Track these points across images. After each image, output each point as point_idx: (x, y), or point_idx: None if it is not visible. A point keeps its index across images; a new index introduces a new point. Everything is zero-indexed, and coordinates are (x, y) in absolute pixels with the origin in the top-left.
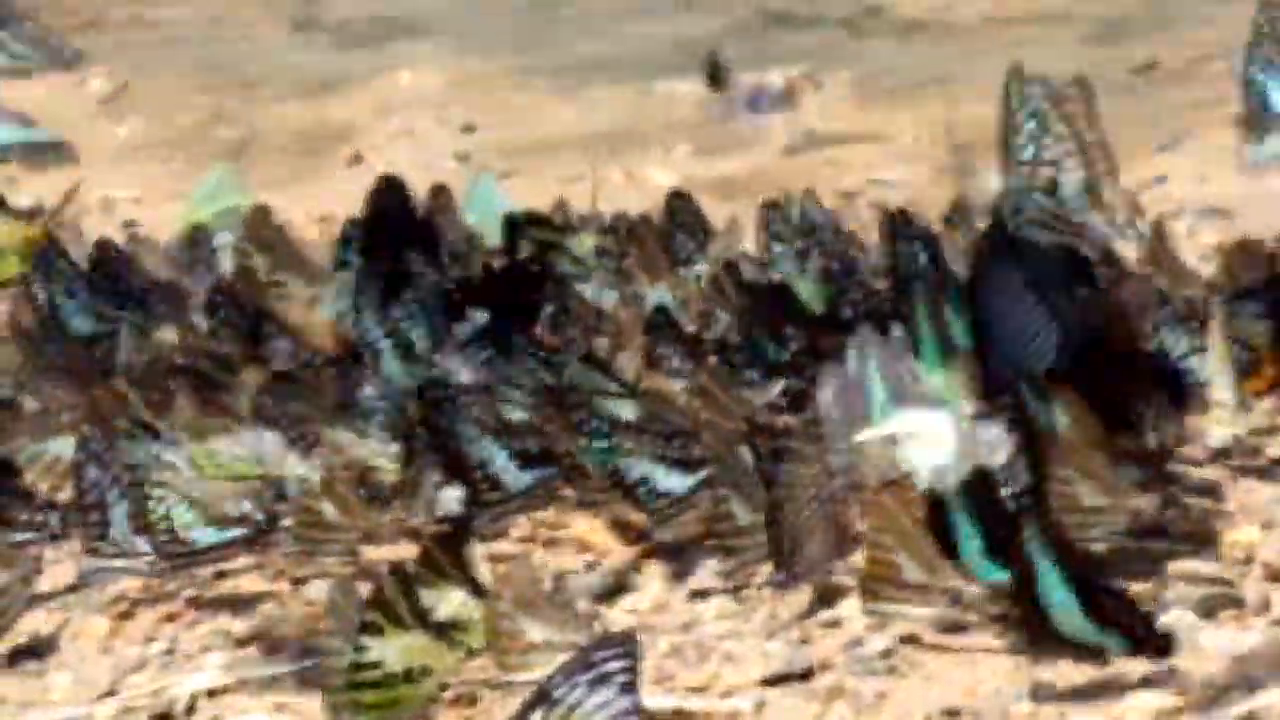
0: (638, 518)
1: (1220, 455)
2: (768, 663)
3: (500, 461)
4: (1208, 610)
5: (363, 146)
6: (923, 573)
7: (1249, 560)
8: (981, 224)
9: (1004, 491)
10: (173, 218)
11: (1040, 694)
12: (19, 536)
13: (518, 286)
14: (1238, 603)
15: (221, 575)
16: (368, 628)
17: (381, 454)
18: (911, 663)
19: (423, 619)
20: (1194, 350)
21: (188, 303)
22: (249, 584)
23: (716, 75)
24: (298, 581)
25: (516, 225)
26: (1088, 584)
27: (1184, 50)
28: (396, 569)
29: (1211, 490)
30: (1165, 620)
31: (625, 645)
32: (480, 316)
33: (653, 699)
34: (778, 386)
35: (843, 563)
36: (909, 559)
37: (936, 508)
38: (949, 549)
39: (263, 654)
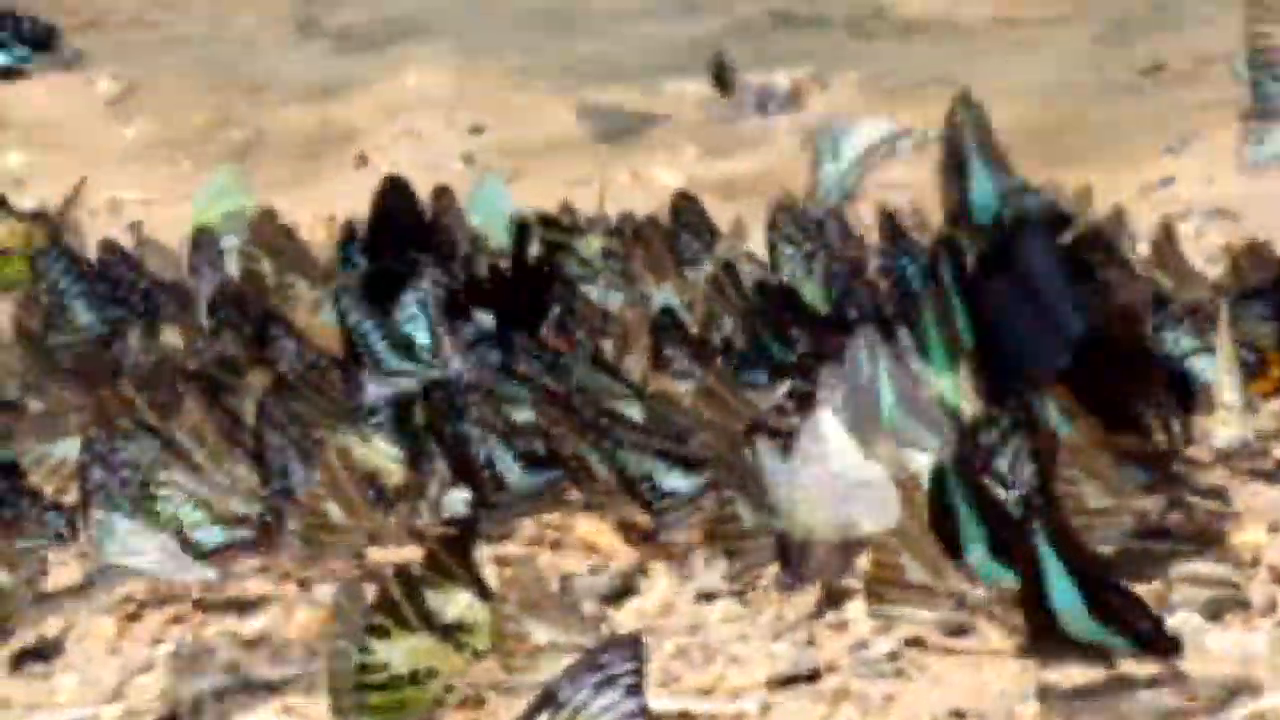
0: (644, 520)
1: (1226, 457)
2: (774, 664)
3: (506, 463)
4: (1214, 612)
5: (368, 148)
6: (928, 575)
7: (1255, 562)
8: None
9: (1009, 493)
10: (180, 219)
11: (1047, 695)
12: (25, 538)
13: (524, 288)
14: (1244, 605)
15: (228, 577)
16: (374, 630)
17: (387, 456)
18: (918, 665)
19: (429, 621)
20: (1200, 351)
21: (193, 305)
22: (255, 586)
23: (722, 76)
24: (304, 583)
25: (523, 227)
26: (1094, 585)
27: (1191, 51)
28: (402, 571)
29: (1218, 492)
30: (1171, 622)
31: (631, 647)
32: (486, 318)
33: (659, 701)
34: (784, 388)
35: (849, 565)
36: (914, 561)
37: (941, 509)
38: (954, 551)
39: (269, 656)
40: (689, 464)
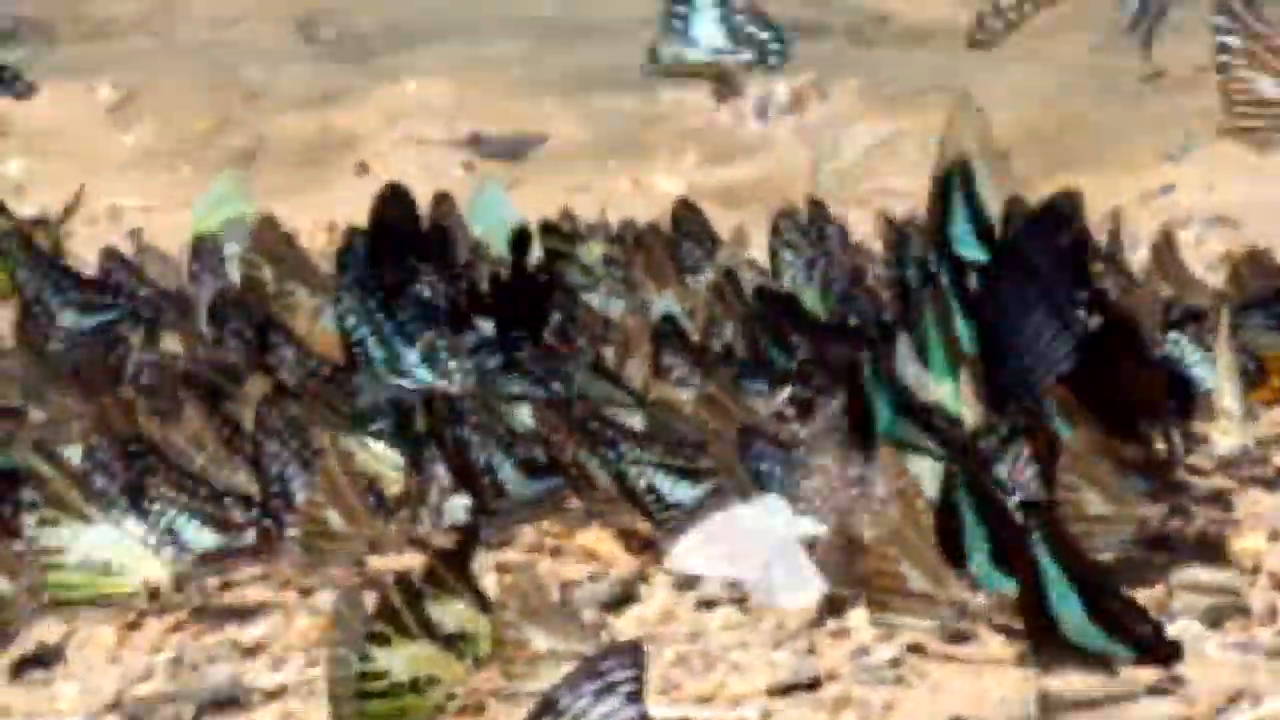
0: (644, 527)
1: (1227, 464)
2: (774, 672)
3: (507, 471)
4: (1214, 619)
5: (369, 155)
6: (929, 582)
7: (1256, 569)
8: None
9: (1011, 500)
10: (180, 226)
11: (1047, 703)
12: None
13: (525, 296)
14: (1244, 612)
15: (228, 585)
16: (374, 637)
17: (388, 463)
18: (919, 672)
19: (429, 629)
20: (1201, 359)
21: (194, 311)
22: (255, 594)
23: (723, 84)
24: (304, 591)
25: (522, 235)
26: (1095, 592)
27: (1191, 59)
28: (403, 578)
29: (1218, 499)
30: (1172, 629)
31: (631, 655)
32: (487, 326)
33: (659, 709)
34: (785, 395)
35: (850, 572)
36: (915, 568)
37: (943, 516)
38: (955, 558)
39: (269, 664)
40: (690, 472)
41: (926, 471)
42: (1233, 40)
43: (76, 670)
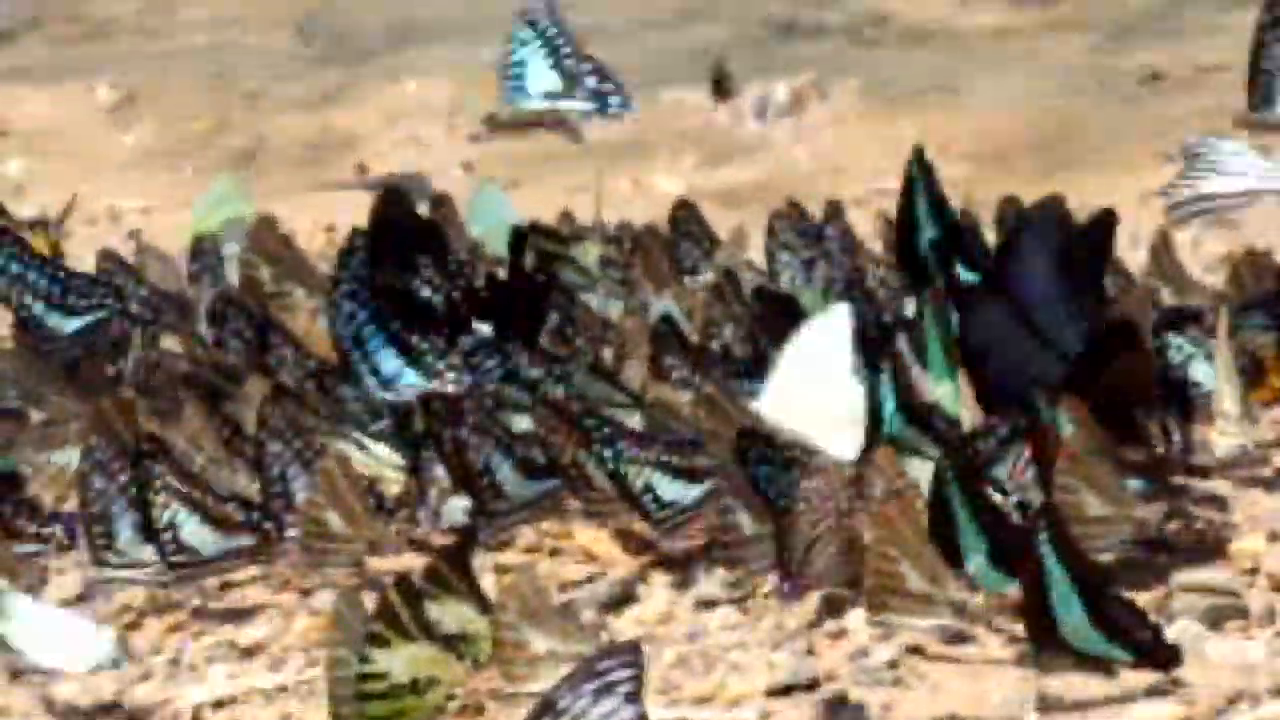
0: (643, 528)
1: (1226, 466)
2: (773, 673)
3: (505, 472)
4: (1213, 621)
5: (368, 156)
6: (927, 583)
7: (1255, 571)
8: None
9: (1010, 501)
10: (179, 227)
11: (1047, 704)
12: (25, 547)
13: (522, 296)
14: (1243, 613)
15: (227, 586)
16: (374, 639)
17: (387, 464)
18: (917, 673)
19: (429, 630)
20: (1200, 360)
21: (193, 312)
22: (255, 594)
23: (722, 85)
24: (304, 592)
25: (520, 235)
26: (1094, 593)
27: (1190, 60)
28: (402, 580)
29: (1217, 501)
30: (1171, 630)
31: (630, 655)
32: (485, 326)
33: (658, 709)
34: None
35: (849, 573)
36: (913, 569)
37: (941, 518)
38: (954, 559)
39: (269, 664)
40: (688, 472)
41: (926, 473)
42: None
43: (74, 671)
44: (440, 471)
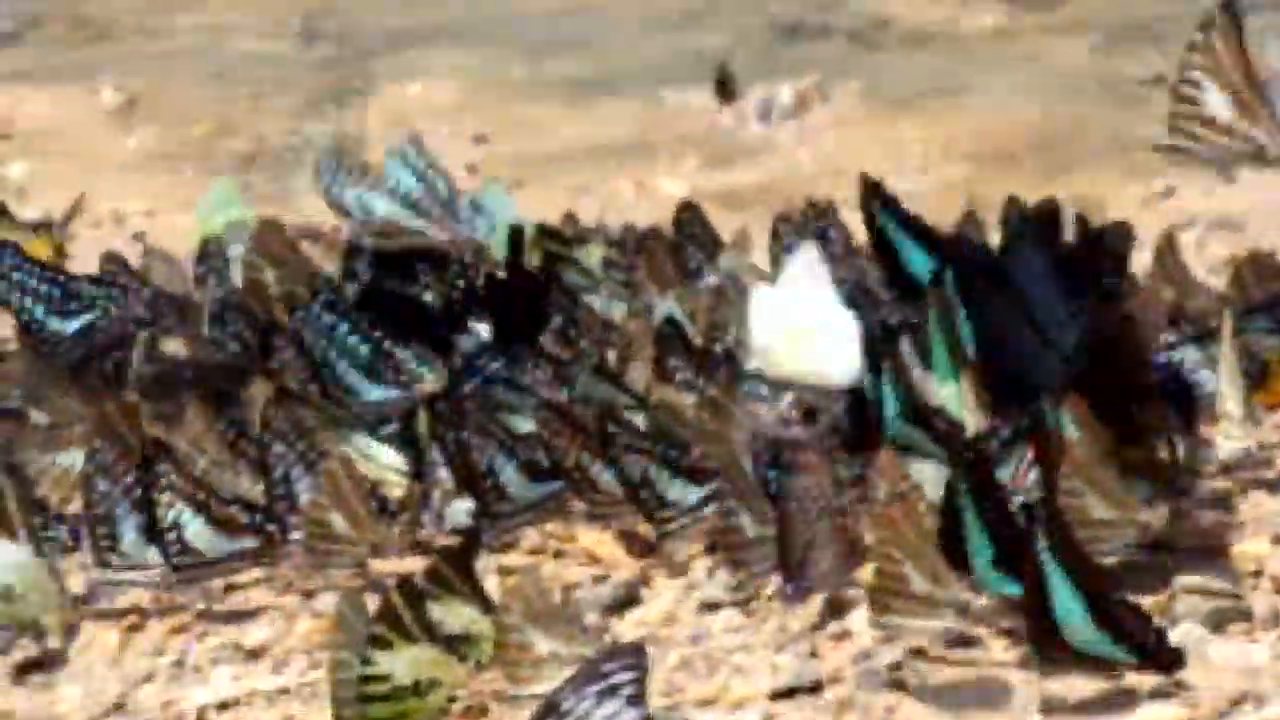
0: (646, 530)
1: (1229, 468)
2: (777, 675)
3: (509, 474)
4: (1217, 623)
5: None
6: (931, 585)
7: (1258, 573)
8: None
9: (1013, 503)
10: (183, 229)
11: (1050, 707)
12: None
13: (521, 296)
14: (1247, 616)
15: (231, 588)
16: (377, 641)
17: (390, 467)
18: (921, 676)
19: (432, 632)
20: (1204, 363)
21: (198, 315)
22: (258, 596)
23: (726, 87)
24: (307, 594)
25: (518, 234)
26: (1098, 596)
27: None
28: (405, 582)
29: (1221, 503)
30: (1174, 633)
31: (634, 657)
32: (486, 327)
33: (661, 711)
34: (787, 399)
35: (852, 575)
36: (917, 572)
37: (945, 520)
38: (957, 561)
39: (272, 666)
40: (692, 474)
41: (929, 474)
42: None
43: (79, 673)
44: (444, 473)
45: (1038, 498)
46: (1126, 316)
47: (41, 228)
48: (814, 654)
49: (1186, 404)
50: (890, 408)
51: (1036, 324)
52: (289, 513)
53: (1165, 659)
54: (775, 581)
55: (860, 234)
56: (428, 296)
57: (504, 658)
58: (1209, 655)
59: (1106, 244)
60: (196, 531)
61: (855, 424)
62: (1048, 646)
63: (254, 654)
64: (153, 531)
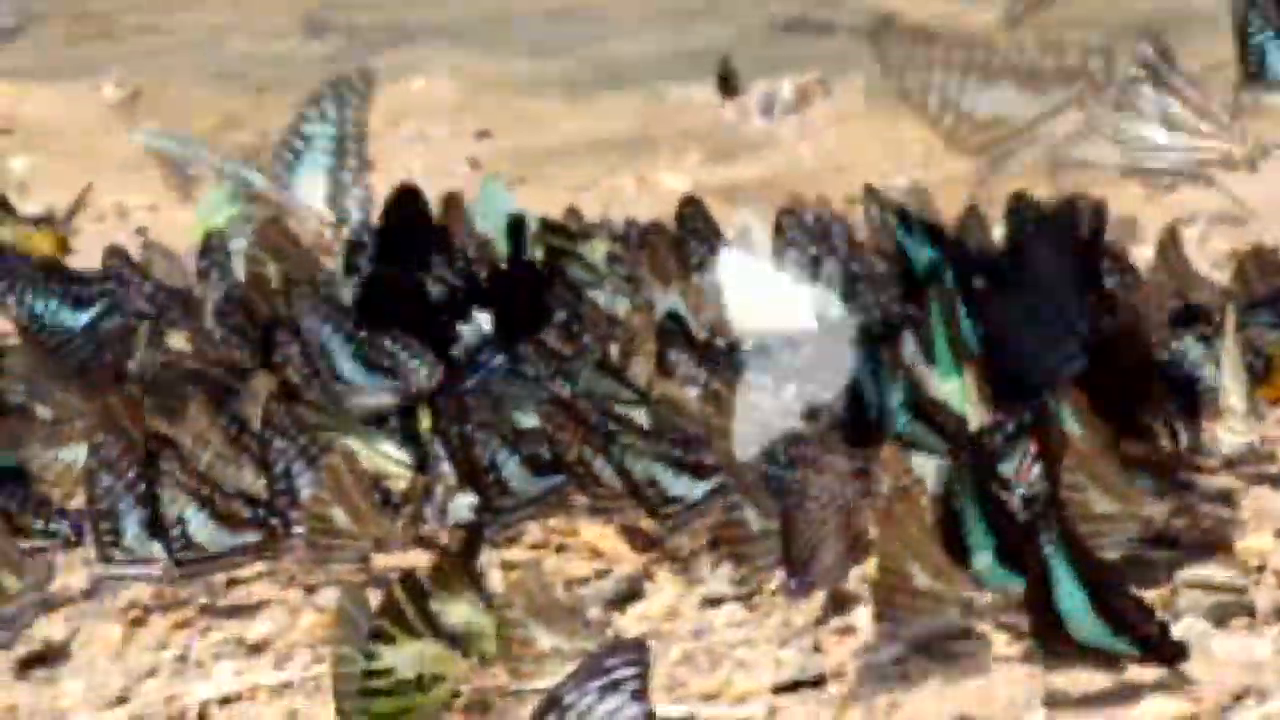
0: (649, 524)
1: (1233, 463)
2: (780, 670)
3: (512, 468)
4: (1220, 618)
5: (375, 153)
6: (934, 580)
7: (1261, 568)
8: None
9: (1016, 498)
10: (185, 224)
11: (1054, 701)
12: (32, 543)
13: (523, 289)
14: (1250, 610)
15: (233, 582)
16: (379, 635)
17: (393, 461)
18: (924, 670)
19: (434, 626)
20: (1206, 357)
21: (201, 309)
22: (261, 591)
23: (728, 82)
24: (309, 589)
25: (518, 224)
26: (1101, 590)
27: (1197, 56)
28: (408, 576)
29: (1224, 498)
30: (1177, 627)
31: (636, 652)
32: (488, 322)
33: (664, 706)
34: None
35: (855, 570)
36: (920, 566)
37: (947, 515)
38: (960, 556)
39: (274, 661)
40: (695, 469)
41: (931, 469)
42: None
43: (81, 667)
44: (446, 467)
45: (1040, 492)
46: (1129, 311)
47: (43, 222)
48: (817, 649)
49: (1189, 399)
50: (894, 403)
51: (1039, 319)
52: (291, 507)
53: (1168, 652)
54: (778, 576)
55: (861, 231)
56: (430, 290)
57: (506, 652)
58: (1212, 649)
59: (1109, 239)
60: (199, 526)
61: (855, 420)
62: (1051, 640)
63: (257, 648)
64: (155, 526)
